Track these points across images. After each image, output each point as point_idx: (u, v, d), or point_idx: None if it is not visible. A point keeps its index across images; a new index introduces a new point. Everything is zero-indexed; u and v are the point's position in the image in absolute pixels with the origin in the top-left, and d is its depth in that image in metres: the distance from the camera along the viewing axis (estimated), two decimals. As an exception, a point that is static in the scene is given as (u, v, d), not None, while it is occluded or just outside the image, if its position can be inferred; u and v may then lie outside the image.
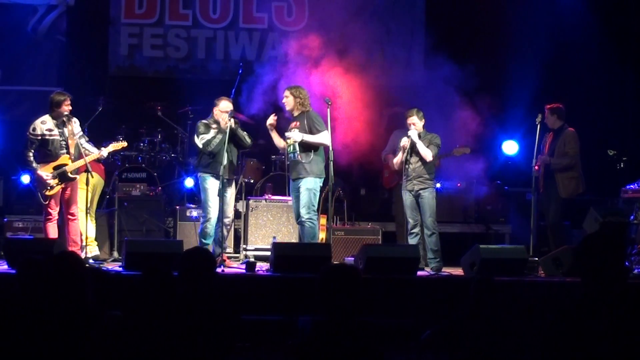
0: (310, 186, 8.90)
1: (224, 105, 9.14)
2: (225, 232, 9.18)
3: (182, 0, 12.38)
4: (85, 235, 9.06)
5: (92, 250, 9.28)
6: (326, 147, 8.92)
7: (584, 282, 3.60)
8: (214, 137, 9.04)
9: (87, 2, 12.30)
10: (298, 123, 8.99)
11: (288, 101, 9.02)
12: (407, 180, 9.17)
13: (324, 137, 8.93)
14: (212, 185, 9.01)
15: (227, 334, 4.46)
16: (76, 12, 12.20)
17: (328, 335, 3.91)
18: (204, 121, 9.21)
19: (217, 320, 4.41)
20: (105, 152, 9.06)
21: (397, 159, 9.26)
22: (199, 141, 9.10)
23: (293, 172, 8.99)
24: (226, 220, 9.16)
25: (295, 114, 9.03)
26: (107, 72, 12.31)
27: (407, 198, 9.19)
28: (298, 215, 8.99)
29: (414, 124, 9.14)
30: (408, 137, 9.11)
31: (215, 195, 8.95)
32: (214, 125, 9.12)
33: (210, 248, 8.97)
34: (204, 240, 9.03)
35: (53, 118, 8.85)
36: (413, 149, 9.13)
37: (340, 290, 4.00)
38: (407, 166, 9.16)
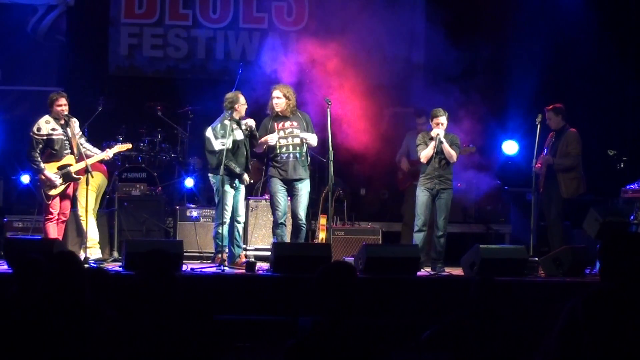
0: (309, 189, 9.06)
1: (243, 99, 8.95)
2: (240, 232, 9.11)
3: (182, 0, 12.37)
4: (86, 236, 9.06)
5: (95, 252, 9.26)
6: (318, 147, 9.04)
7: (617, 283, 3.55)
8: (229, 149, 8.78)
9: (87, 2, 12.29)
10: (295, 123, 9.00)
11: (280, 102, 8.96)
12: (428, 178, 9.17)
13: (316, 139, 9.10)
14: (230, 188, 8.91)
15: (198, 335, 4.38)
16: (76, 12, 12.19)
17: (327, 335, 3.90)
18: (225, 122, 8.86)
19: (184, 321, 4.33)
20: (111, 153, 9.08)
21: (428, 152, 9.16)
22: (217, 144, 8.82)
23: (291, 172, 8.95)
24: (240, 219, 9.08)
25: (287, 114, 9.02)
26: (107, 72, 12.31)
27: (424, 196, 9.18)
28: (284, 214, 9.01)
29: (442, 124, 9.15)
30: (436, 135, 9.11)
31: (230, 196, 8.88)
32: (235, 126, 8.88)
33: (226, 249, 8.90)
34: (220, 243, 8.86)
35: (54, 118, 8.86)
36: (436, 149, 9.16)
37: (338, 288, 3.99)
38: (428, 165, 9.17)
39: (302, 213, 8.98)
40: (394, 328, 7.32)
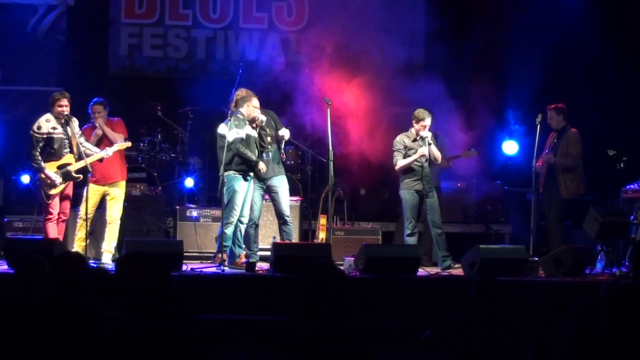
0: (287, 184, 9.14)
1: (257, 103, 8.97)
2: (242, 233, 9.10)
3: (182, 0, 12.37)
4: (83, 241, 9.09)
5: (107, 258, 9.25)
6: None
7: None
8: (243, 139, 8.79)
9: (87, 2, 12.29)
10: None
11: (258, 109, 8.99)
12: (415, 180, 9.20)
13: (289, 132, 9.18)
14: (242, 187, 8.90)
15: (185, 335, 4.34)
16: (76, 12, 12.19)
17: (316, 337, 3.87)
18: (239, 116, 8.84)
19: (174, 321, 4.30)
20: (110, 151, 9.07)
21: (404, 164, 9.19)
22: (232, 134, 8.73)
23: (267, 171, 8.96)
24: (243, 219, 9.06)
25: None
26: (107, 72, 12.31)
27: (413, 198, 9.22)
28: (258, 215, 9.11)
29: (428, 126, 9.19)
30: (424, 137, 9.14)
31: (241, 196, 8.88)
32: (247, 121, 8.92)
33: (227, 250, 8.89)
34: (225, 243, 8.79)
35: (54, 117, 8.87)
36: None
37: (323, 290, 3.91)
38: (416, 167, 9.18)
39: (285, 209, 9.03)
40: (394, 328, 7.33)
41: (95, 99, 9.39)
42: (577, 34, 11.80)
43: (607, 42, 11.76)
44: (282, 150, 9.13)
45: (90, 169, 8.78)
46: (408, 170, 9.25)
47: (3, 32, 11.96)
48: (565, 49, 11.94)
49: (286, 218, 9.03)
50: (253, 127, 8.94)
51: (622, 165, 10.86)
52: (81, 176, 8.89)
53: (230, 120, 8.82)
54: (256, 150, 8.93)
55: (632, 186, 9.83)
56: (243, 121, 8.86)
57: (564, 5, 11.96)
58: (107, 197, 9.25)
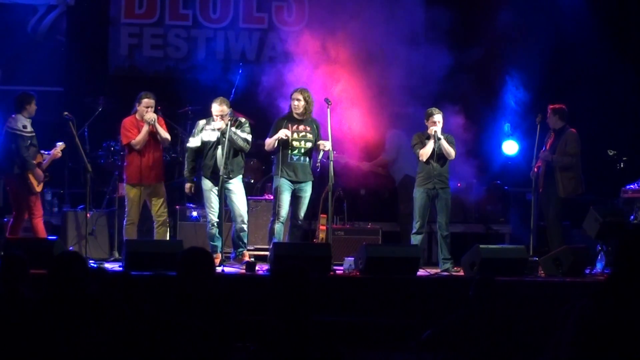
0: (311, 191, 9.17)
1: (215, 109, 9.00)
2: (239, 234, 9.13)
3: (182, 0, 12.37)
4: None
5: None
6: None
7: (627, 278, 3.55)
8: (191, 148, 9.13)
9: (87, 2, 12.30)
10: (308, 128, 9.11)
11: (300, 105, 9.03)
12: (426, 178, 9.20)
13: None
14: (207, 186, 9.05)
15: (223, 334, 4.45)
16: (76, 12, 12.20)
17: (282, 337, 3.89)
18: (203, 120, 9.17)
19: (213, 321, 4.39)
20: (59, 149, 9.36)
21: (427, 150, 9.18)
22: (188, 143, 9.27)
23: (299, 175, 9.05)
24: (239, 220, 9.11)
25: (300, 117, 9.08)
26: (107, 72, 12.30)
27: (423, 197, 9.22)
28: (286, 213, 9.13)
29: (438, 122, 9.21)
30: (433, 132, 9.15)
31: (213, 197, 8.98)
32: (207, 127, 9.07)
33: (218, 249, 9.02)
34: (212, 243, 9.04)
35: (25, 117, 9.03)
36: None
37: (290, 290, 3.98)
38: (427, 165, 9.19)
39: (302, 214, 9.17)
40: (394, 328, 7.33)
41: (144, 92, 9.35)
42: (577, 34, 11.79)
43: (607, 42, 11.76)
44: (319, 162, 9.17)
45: (89, 170, 8.91)
46: (420, 168, 9.28)
47: (3, 32, 11.97)
48: (565, 49, 11.94)
49: (300, 221, 9.17)
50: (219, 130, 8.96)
51: (622, 165, 10.87)
52: (48, 174, 9.10)
53: (196, 125, 9.21)
54: (213, 159, 8.99)
55: (632, 186, 9.84)
56: (200, 127, 9.10)
57: (564, 5, 11.95)
58: (152, 198, 9.30)
